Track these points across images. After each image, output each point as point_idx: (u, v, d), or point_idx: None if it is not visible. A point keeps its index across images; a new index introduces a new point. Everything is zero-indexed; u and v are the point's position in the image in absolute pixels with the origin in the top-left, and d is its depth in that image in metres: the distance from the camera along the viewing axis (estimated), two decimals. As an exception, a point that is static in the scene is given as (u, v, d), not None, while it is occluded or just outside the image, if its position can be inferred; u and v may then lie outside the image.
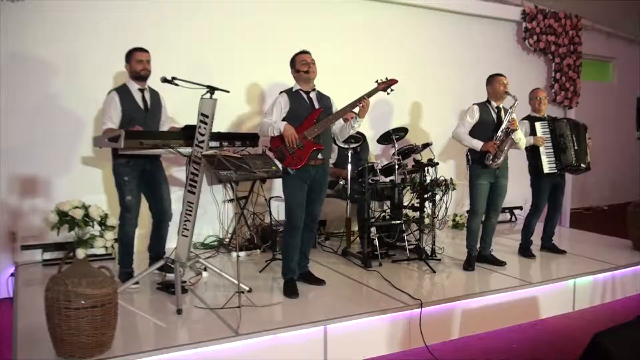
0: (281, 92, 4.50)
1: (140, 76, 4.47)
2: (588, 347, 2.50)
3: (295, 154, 4.32)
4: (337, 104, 4.61)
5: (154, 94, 4.63)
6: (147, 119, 4.49)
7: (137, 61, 4.44)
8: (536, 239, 5.82)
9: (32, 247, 5.13)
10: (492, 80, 5.15)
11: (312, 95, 4.49)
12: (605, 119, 9.71)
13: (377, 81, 4.60)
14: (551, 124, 5.57)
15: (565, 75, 8.34)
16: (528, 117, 5.63)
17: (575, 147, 5.52)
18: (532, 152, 5.56)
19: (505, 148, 5.03)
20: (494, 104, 5.14)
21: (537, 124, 5.53)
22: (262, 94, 6.27)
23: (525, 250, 5.71)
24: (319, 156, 4.41)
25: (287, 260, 4.47)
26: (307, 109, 4.42)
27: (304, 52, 4.48)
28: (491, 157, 5.00)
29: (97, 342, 3.14)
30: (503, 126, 5.02)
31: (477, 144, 5.05)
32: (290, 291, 4.33)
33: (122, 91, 4.45)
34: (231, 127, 6.05)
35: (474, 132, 5.12)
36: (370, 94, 4.49)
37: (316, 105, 4.46)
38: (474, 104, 5.17)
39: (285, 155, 4.33)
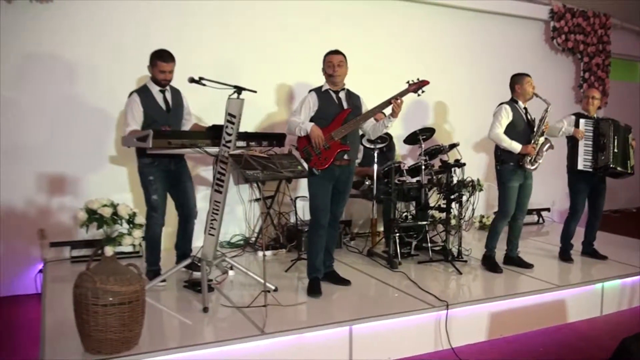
0: (310, 91, 4.47)
1: (161, 84, 4.46)
2: (616, 351, 2.48)
3: (322, 155, 4.30)
4: (364, 103, 4.57)
5: (176, 93, 4.60)
6: (169, 119, 4.48)
7: (159, 71, 4.38)
8: (577, 243, 5.71)
9: (60, 244, 5.20)
10: (522, 80, 5.05)
11: (342, 94, 4.45)
12: (633, 119, 9.53)
13: (408, 82, 4.51)
14: (595, 123, 5.46)
15: (594, 74, 8.22)
16: (576, 114, 5.54)
17: (615, 150, 5.38)
18: (572, 148, 5.46)
19: (544, 150, 5.01)
20: (521, 104, 5.08)
21: (582, 120, 5.43)
22: (291, 93, 6.26)
23: (564, 254, 5.60)
24: (345, 157, 4.38)
25: (312, 258, 4.46)
26: (335, 108, 4.39)
27: (333, 52, 4.41)
28: (529, 159, 4.97)
29: (124, 339, 3.17)
30: (539, 129, 4.99)
31: (517, 147, 4.96)
32: (313, 290, 4.33)
33: (143, 93, 4.42)
34: (260, 127, 6.06)
35: (505, 133, 5.05)
36: (402, 94, 4.40)
37: (345, 106, 4.42)
38: (503, 104, 5.06)
39: (311, 155, 4.31)
